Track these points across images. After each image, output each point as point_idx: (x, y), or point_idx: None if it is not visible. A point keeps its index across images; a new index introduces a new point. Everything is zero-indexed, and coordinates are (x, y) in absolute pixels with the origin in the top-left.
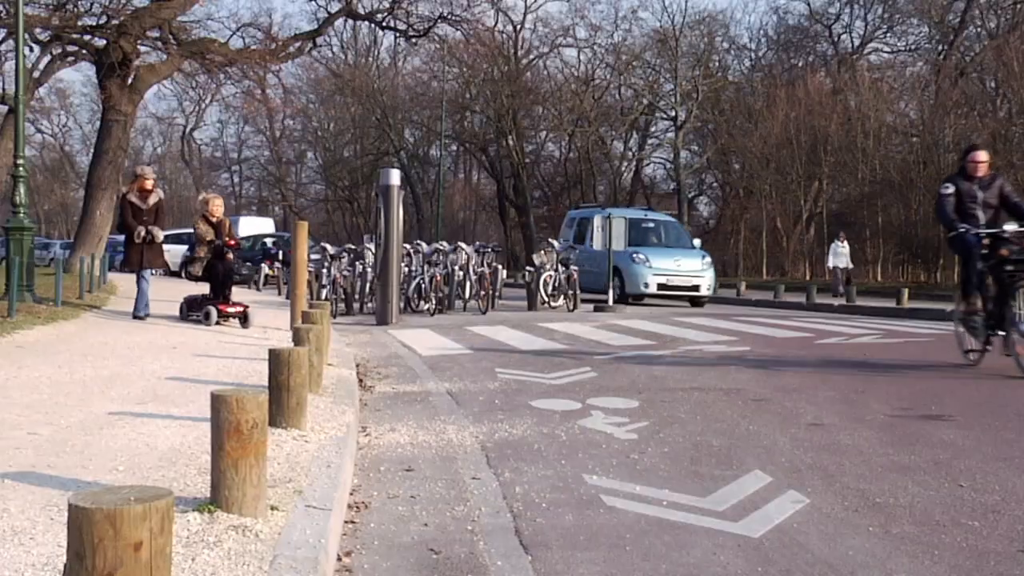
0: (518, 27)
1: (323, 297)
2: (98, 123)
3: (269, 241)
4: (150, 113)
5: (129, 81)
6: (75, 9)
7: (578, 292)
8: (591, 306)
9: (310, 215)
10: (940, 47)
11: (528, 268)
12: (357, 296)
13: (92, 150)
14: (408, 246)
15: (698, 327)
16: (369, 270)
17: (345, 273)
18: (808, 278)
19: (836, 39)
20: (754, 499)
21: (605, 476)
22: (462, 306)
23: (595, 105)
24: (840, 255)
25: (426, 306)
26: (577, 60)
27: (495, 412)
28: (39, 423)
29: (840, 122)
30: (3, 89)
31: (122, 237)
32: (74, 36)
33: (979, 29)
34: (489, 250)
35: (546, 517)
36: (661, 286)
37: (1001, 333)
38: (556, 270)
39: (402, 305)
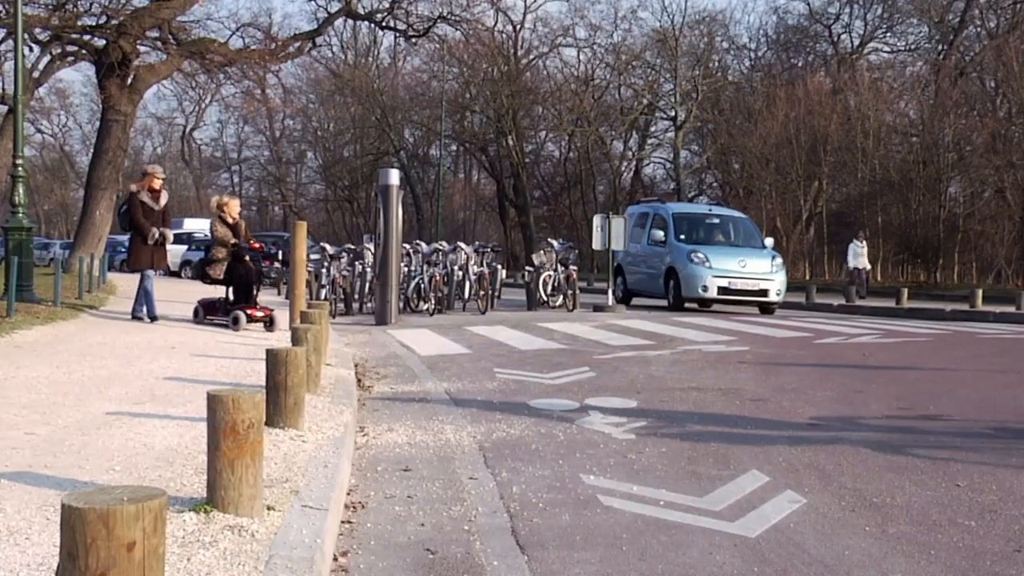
0: (518, 27)
1: (322, 297)
2: (98, 123)
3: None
4: (150, 113)
5: (129, 81)
6: (75, 9)
7: (577, 292)
8: (591, 306)
9: (310, 215)
10: (940, 47)
11: (527, 268)
12: (356, 296)
13: (92, 150)
14: (407, 246)
15: (697, 327)
16: (368, 270)
17: (344, 273)
18: (808, 278)
19: (836, 39)
20: (751, 499)
21: (602, 476)
22: (461, 306)
23: (595, 105)
24: (860, 255)
25: (425, 306)
26: (577, 60)
27: (493, 412)
28: (36, 423)
29: (840, 122)
30: (2, 89)
31: (125, 236)
32: (74, 36)
33: (979, 29)
34: (488, 250)
35: (543, 517)
36: (723, 290)
37: None
38: (555, 270)
39: (401, 305)
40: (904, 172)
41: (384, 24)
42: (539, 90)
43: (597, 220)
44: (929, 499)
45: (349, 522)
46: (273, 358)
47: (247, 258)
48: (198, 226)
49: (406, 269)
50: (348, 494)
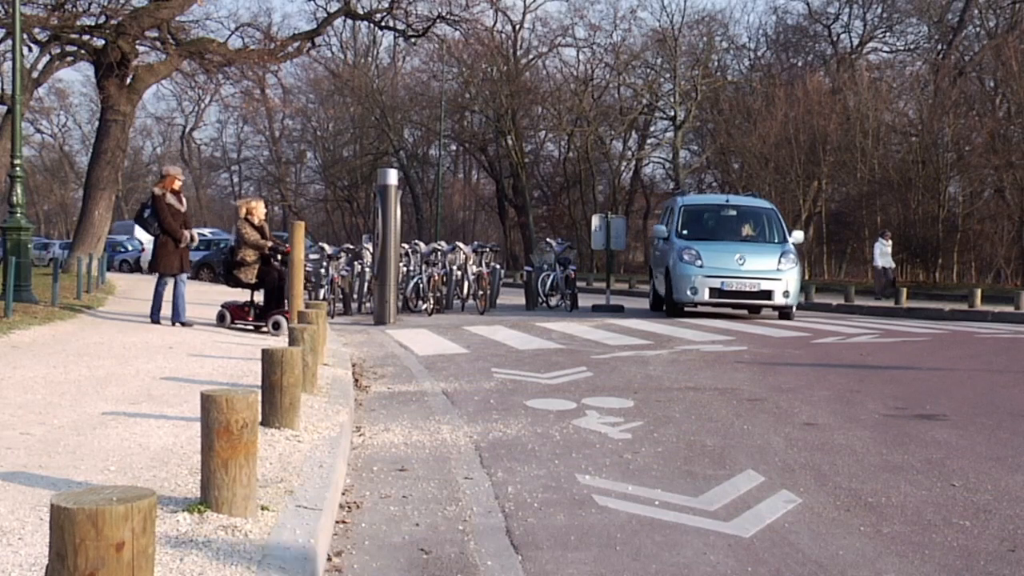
0: (517, 27)
1: (321, 297)
2: (97, 123)
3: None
4: (149, 113)
5: (128, 81)
6: (74, 9)
7: (576, 292)
8: (590, 306)
9: (309, 215)
10: (939, 46)
11: (526, 268)
12: (355, 296)
13: (91, 150)
14: (406, 246)
15: (695, 327)
16: (367, 270)
17: (343, 273)
18: (807, 278)
19: (835, 39)
20: (746, 499)
21: (598, 476)
22: (460, 306)
23: (594, 105)
24: (886, 254)
25: (424, 306)
26: (576, 60)
27: (490, 412)
28: (32, 423)
29: (839, 122)
30: (1, 89)
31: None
32: (72, 36)
33: (978, 29)
34: (487, 250)
35: (538, 517)
36: (715, 292)
37: None
38: (554, 270)
39: (400, 305)
40: (903, 172)
41: (383, 24)
42: (538, 90)
43: (596, 220)
44: (924, 499)
45: (344, 522)
46: (269, 358)
47: (276, 261)
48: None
49: (405, 269)
50: (343, 494)
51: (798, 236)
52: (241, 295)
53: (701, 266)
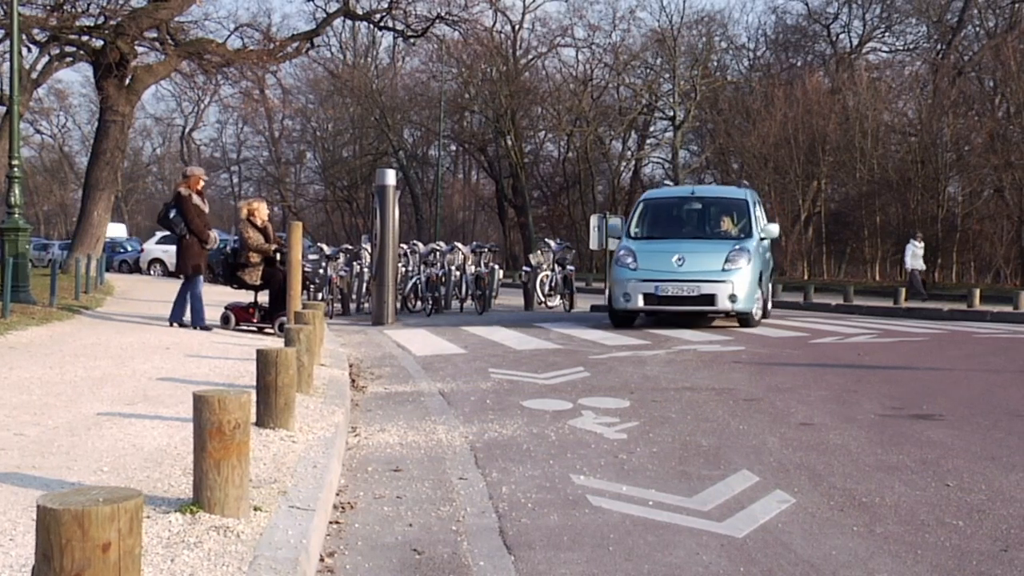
0: (516, 27)
1: (320, 298)
2: (96, 124)
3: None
4: (149, 114)
5: (127, 82)
6: (72, 10)
7: (574, 292)
8: (588, 306)
9: (309, 215)
10: (938, 46)
11: (525, 268)
12: (354, 297)
13: (90, 151)
14: (405, 246)
15: (693, 327)
16: (366, 270)
17: (342, 274)
18: (806, 278)
19: (834, 39)
20: (740, 499)
21: (592, 476)
22: (459, 306)
23: (593, 105)
24: (917, 256)
25: (422, 306)
26: (575, 60)
27: (486, 412)
28: (27, 424)
29: (838, 122)
30: (0, 90)
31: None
32: (71, 37)
33: (977, 28)
34: (486, 250)
35: (531, 517)
36: (649, 298)
37: None
38: (553, 270)
39: (398, 305)
40: (902, 172)
41: (382, 24)
42: (538, 90)
43: (594, 220)
44: (918, 499)
45: (337, 522)
46: (264, 359)
47: (279, 262)
48: (116, 233)
49: (403, 269)
50: (337, 495)
51: (771, 229)
52: (245, 296)
53: (635, 269)
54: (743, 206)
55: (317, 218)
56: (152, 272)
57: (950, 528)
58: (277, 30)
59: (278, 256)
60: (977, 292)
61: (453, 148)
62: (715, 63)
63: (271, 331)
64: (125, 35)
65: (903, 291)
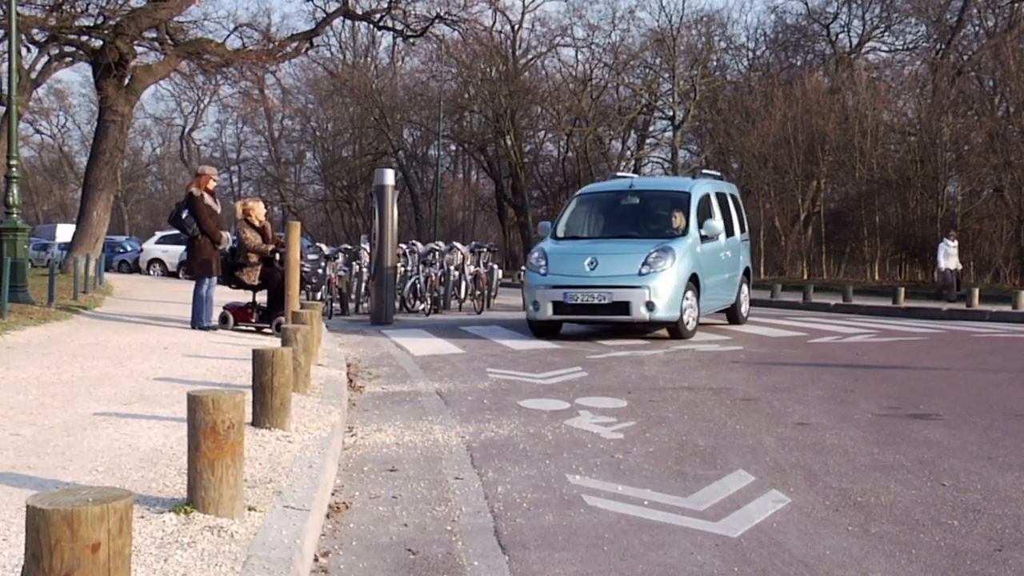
0: (516, 27)
1: (318, 298)
2: (96, 124)
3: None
4: (148, 114)
5: (126, 82)
6: (72, 10)
7: None
8: None
9: (309, 215)
10: (938, 46)
11: (524, 268)
12: (353, 297)
13: (89, 151)
14: (403, 246)
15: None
16: (365, 270)
17: (341, 273)
18: (806, 277)
19: (834, 38)
20: (735, 499)
21: (588, 476)
22: (458, 306)
23: (593, 105)
24: (951, 255)
25: (421, 306)
26: (575, 60)
27: (483, 412)
28: (22, 424)
29: (838, 121)
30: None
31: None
32: (71, 37)
33: (977, 28)
34: (485, 250)
35: (526, 517)
36: (559, 307)
37: None
38: None
39: (397, 305)
40: (902, 171)
41: (381, 24)
42: (537, 90)
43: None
44: (913, 498)
45: (332, 522)
46: (259, 358)
47: (278, 262)
48: (67, 236)
49: (402, 269)
50: (333, 495)
51: (712, 227)
52: (243, 296)
53: (545, 274)
54: (683, 200)
55: (317, 218)
56: (152, 272)
57: (945, 528)
58: (276, 30)
59: (276, 256)
60: (976, 291)
61: (453, 148)
62: (714, 63)
63: (269, 331)
64: (124, 35)
65: (939, 292)
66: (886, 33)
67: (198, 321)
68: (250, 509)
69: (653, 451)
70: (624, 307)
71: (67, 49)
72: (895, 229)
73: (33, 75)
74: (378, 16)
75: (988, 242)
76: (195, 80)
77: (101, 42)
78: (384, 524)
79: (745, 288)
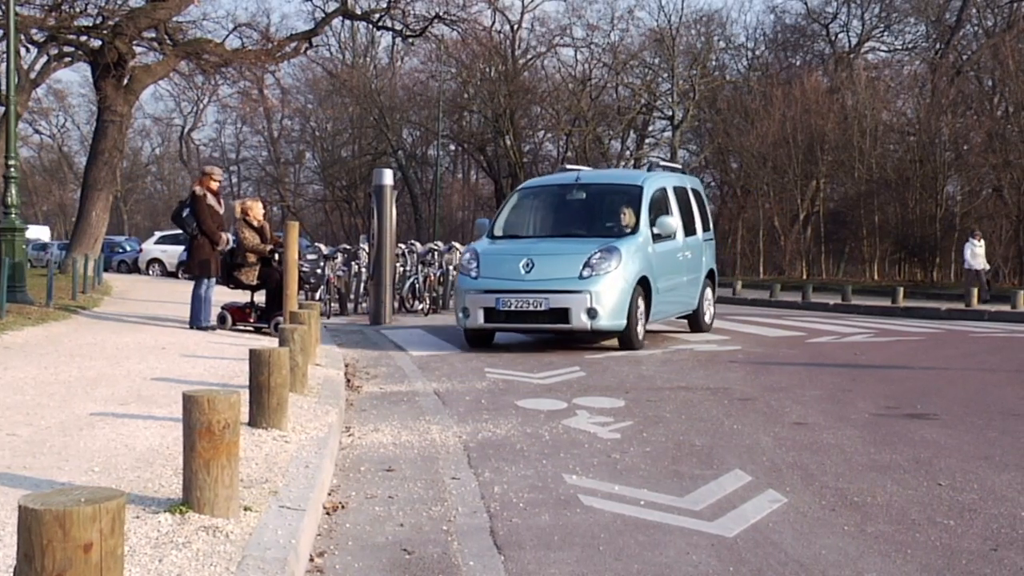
0: (515, 27)
1: (317, 298)
2: (95, 124)
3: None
4: (148, 114)
5: (125, 82)
6: (70, 10)
7: None
8: None
9: (308, 215)
10: (937, 46)
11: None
12: (352, 296)
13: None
14: (402, 246)
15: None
16: (363, 270)
17: (340, 273)
18: (805, 277)
19: (833, 38)
20: (732, 499)
21: (585, 476)
22: None
23: (592, 105)
24: (978, 255)
25: (420, 306)
26: (574, 60)
27: (480, 412)
28: (19, 424)
29: (837, 121)
30: None
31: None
32: (69, 37)
33: (976, 28)
34: None
35: (522, 517)
36: (490, 314)
37: None
38: None
39: (396, 305)
40: (901, 171)
41: (381, 24)
42: (537, 90)
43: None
44: (910, 498)
45: (328, 522)
46: (256, 358)
47: (276, 262)
48: (38, 235)
49: (401, 269)
50: (329, 495)
51: (665, 224)
52: (241, 296)
53: (476, 278)
54: (635, 195)
55: (316, 218)
56: (151, 272)
57: (941, 527)
58: (276, 30)
59: (275, 256)
60: (975, 291)
61: (452, 148)
62: (714, 63)
63: (268, 331)
64: (123, 35)
65: (974, 292)
66: (885, 33)
67: (196, 321)
68: (246, 509)
69: (650, 451)
70: (563, 314)
71: (66, 49)
72: (894, 229)
73: (32, 75)
74: (377, 16)
75: (987, 242)
76: (194, 80)
77: (100, 42)
78: (380, 524)
79: (709, 292)
